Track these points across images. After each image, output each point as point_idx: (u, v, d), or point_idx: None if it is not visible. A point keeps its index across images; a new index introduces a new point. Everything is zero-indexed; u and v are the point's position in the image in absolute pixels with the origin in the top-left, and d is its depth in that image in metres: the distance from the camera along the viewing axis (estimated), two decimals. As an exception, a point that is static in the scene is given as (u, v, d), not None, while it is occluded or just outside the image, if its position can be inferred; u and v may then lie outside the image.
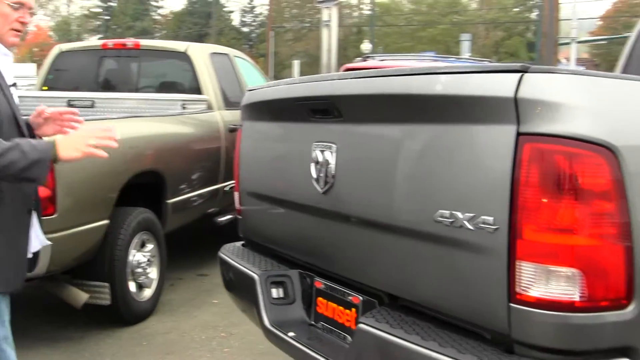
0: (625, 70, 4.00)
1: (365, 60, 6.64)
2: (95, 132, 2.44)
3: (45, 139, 2.53)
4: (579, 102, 1.71)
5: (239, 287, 2.95)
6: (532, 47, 30.24)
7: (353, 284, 2.43)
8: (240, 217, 3.21)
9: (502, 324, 1.79)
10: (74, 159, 2.42)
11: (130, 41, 6.35)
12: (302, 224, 2.65)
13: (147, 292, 4.75)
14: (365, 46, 35.63)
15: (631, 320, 1.71)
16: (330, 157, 2.38)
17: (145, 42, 6.46)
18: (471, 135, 1.86)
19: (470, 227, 1.83)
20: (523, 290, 1.74)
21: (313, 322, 2.65)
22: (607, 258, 1.69)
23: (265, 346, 4.46)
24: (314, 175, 2.47)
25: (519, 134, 1.74)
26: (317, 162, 2.46)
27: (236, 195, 3.23)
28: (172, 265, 5.26)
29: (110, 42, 6.41)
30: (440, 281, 1.98)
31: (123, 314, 4.44)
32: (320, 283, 2.61)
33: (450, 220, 1.89)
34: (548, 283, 1.72)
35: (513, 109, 1.74)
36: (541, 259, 1.72)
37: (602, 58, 45.23)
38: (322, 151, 2.43)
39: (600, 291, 1.70)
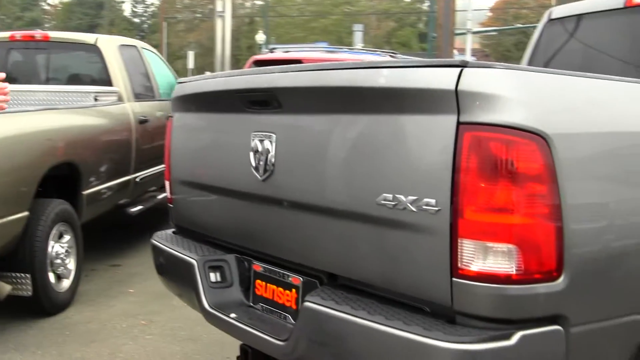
0: (531, 60, 4.29)
1: (272, 52, 6.78)
2: None
3: None
4: (513, 94, 1.89)
5: (175, 272, 3.01)
6: (424, 38, 31.00)
7: (293, 266, 2.55)
8: (171, 205, 3.26)
9: (445, 297, 1.94)
10: None
11: (39, 33, 6.24)
12: (240, 211, 2.74)
13: (66, 283, 4.74)
14: (260, 37, 35.59)
15: (561, 291, 1.90)
16: (270, 146, 2.49)
17: (54, 34, 6.34)
18: (414, 125, 2.01)
19: (413, 208, 1.98)
20: (465, 265, 1.91)
21: (252, 304, 2.74)
22: (540, 235, 1.87)
23: (187, 332, 4.54)
24: (253, 163, 2.56)
25: (459, 123, 1.90)
26: (256, 151, 2.55)
27: (167, 184, 3.28)
28: (84, 257, 5.23)
29: (18, 34, 6.27)
30: (383, 260, 2.11)
31: (44, 304, 4.42)
32: (258, 266, 2.71)
33: (393, 203, 2.03)
34: (487, 258, 1.88)
35: (454, 100, 1.90)
36: (481, 237, 1.89)
37: (492, 48, 47.05)
38: (261, 140, 2.53)
39: (534, 265, 1.88)
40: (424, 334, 1.92)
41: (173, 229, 3.35)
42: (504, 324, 1.89)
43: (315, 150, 2.32)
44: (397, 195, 2.02)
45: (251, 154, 2.58)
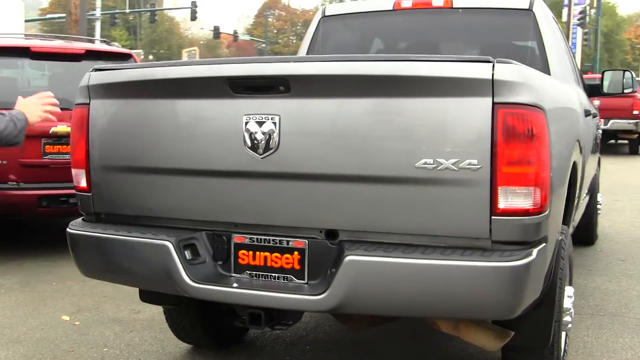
0: (309, 50, 5.00)
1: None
2: (44, 100, 3.19)
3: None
4: (527, 82, 2.63)
5: (137, 259, 3.05)
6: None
7: (287, 232, 2.90)
8: (89, 193, 3.24)
9: (484, 231, 2.62)
10: (36, 123, 3.18)
11: None
12: (221, 188, 2.96)
13: None
14: None
15: (547, 219, 2.73)
16: (274, 127, 2.81)
17: None
18: (453, 105, 2.62)
19: (454, 168, 2.61)
20: (501, 205, 2.61)
21: (234, 274, 3.00)
22: (544, 179, 2.67)
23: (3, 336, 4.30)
24: (249, 143, 2.85)
25: (494, 103, 2.58)
26: (252, 132, 2.84)
27: (81, 172, 3.24)
28: None
29: None
30: (417, 210, 2.68)
31: None
32: (242, 238, 2.98)
33: (433, 165, 2.63)
34: (516, 198, 2.61)
35: (490, 86, 2.57)
36: (513, 183, 2.60)
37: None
38: (259, 122, 2.83)
39: (540, 201, 2.66)
40: (486, 260, 2.58)
41: (83, 217, 3.33)
42: (521, 245, 2.65)
43: (339, 130, 2.74)
44: (438, 159, 2.62)
45: (245, 134, 2.85)
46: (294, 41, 77.93)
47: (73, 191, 5.90)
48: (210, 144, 2.95)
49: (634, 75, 6.03)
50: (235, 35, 54.95)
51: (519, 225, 2.64)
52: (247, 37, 62.29)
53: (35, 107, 3.15)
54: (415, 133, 2.66)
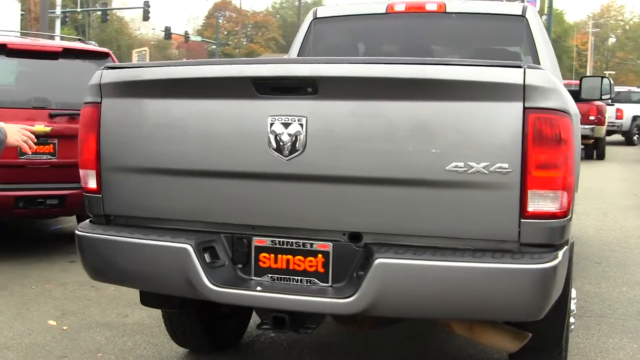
0: (301, 51, 4.99)
1: None
2: (24, 132, 3.31)
3: None
4: (555, 87, 2.67)
5: (154, 262, 2.99)
6: None
7: (310, 234, 2.88)
8: (98, 195, 3.16)
9: (513, 233, 2.65)
10: (11, 145, 3.26)
11: None
12: (243, 189, 2.92)
13: None
14: None
15: (570, 222, 2.77)
16: (301, 129, 2.79)
17: None
18: (484, 110, 2.64)
19: (485, 172, 2.63)
20: (530, 208, 2.64)
21: (255, 277, 2.96)
22: (570, 183, 2.71)
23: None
24: (274, 145, 2.82)
25: (525, 108, 2.61)
26: (278, 134, 2.81)
27: (90, 173, 3.16)
28: None
29: None
30: (447, 212, 2.69)
31: None
32: (263, 240, 2.95)
33: (464, 169, 2.64)
34: (544, 201, 2.64)
35: (521, 91, 2.60)
36: (542, 187, 2.64)
37: None
38: (285, 124, 2.81)
39: (565, 204, 2.70)
40: (517, 262, 2.60)
41: (90, 219, 3.26)
42: (548, 248, 2.68)
43: (368, 132, 2.73)
44: (469, 163, 2.64)
45: (270, 136, 2.82)
46: (245, 43, 77.60)
47: (50, 192, 6.00)
48: (232, 145, 2.91)
49: (612, 82, 6.16)
50: (186, 36, 54.38)
51: (547, 228, 2.67)
52: (199, 39, 61.66)
53: (15, 132, 3.27)
54: (446, 136, 2.68)
